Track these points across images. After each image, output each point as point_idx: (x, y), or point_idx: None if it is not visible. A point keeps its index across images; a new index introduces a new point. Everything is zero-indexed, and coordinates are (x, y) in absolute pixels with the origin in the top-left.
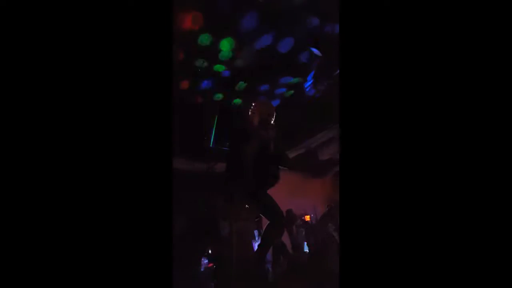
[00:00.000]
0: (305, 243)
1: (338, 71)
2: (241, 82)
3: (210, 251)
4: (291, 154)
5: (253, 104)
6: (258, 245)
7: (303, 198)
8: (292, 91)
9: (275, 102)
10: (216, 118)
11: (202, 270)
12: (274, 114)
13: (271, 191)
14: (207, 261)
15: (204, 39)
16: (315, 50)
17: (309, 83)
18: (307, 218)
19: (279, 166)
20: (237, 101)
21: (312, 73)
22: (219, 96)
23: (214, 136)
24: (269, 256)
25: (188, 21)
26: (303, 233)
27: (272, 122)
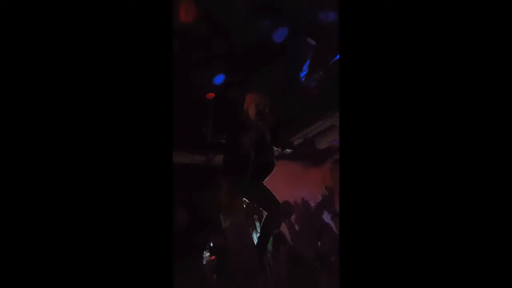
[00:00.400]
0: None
1: (335, 59)
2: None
3: (211, 244)
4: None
5: (247, 95)
6: (258, 237)
7: (300, 187)
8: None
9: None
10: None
11: (204, 263)
12: (269, 104)
13: (269, 181)
14: (208, 254)
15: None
16: (310, 39)
17: (305, 72)
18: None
19: (285, 150)
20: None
21: (308, 63)
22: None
23: (211, 129)
24: (270, 247)
25: (187, 13)
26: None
27: (267, 112)
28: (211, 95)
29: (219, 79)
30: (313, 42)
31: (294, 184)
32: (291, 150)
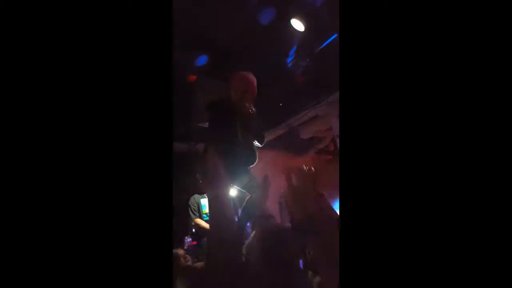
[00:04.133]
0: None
1: (322, 46)
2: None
3: (193, 230)
4: (274, 133)
5: (233, 76)
6: (238, 219)
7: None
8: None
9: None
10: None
11: (185, 248)
12: (256, 87)
13: (253, 169)
14: (190, 239)
15: None
16: (297, 24)
17: (291, 58)
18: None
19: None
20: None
21: (294, 48)
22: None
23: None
24: (249, 229)
25: None
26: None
27: (253, 95)
28: (192, 78)
29: (202, 60)
30: (301, 27)
31: (277, 174)
32: (260, 145)
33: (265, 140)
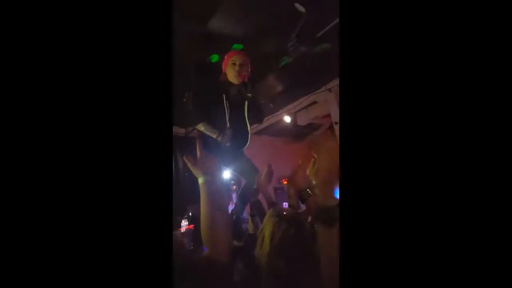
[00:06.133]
0: (284, 203)
1: (324, 30)
2: (236, 44)
3: (190, 213)
4: (273, 119)
5: (225, 55)
6: (235, 204)
7: (281, 162)
8: (285, 59)
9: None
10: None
11: (182, 231)
12: (248, 63)
13: (248, 153)
14: (187, 223)
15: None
16: (299, 6)
17: (292, 43)
18: (284, 181)
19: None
20: (214, 57)
21: (296, 33)
22: (215, 58)
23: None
24: (245, 214)
25: None
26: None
27: (247, 73)
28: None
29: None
30: (302, 9)
31: (273, 158)
32: (260, 123)
33: (264, 119)
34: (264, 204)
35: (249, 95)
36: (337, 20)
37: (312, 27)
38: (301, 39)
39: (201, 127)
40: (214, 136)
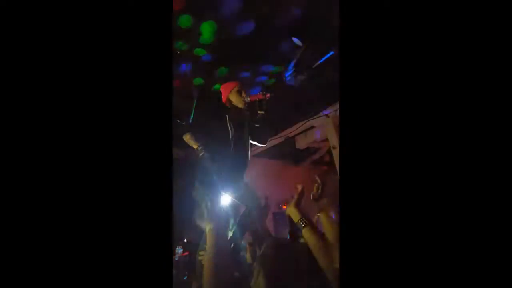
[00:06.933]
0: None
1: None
2: (221, 68)
3: (185, 240)
4: (271, 142)
5: (222, 86)
6: (233, 231)
7: (280, 186)
8: (273, 80)
9: (256, 90)
10: (195, 103)
11: (176, 259)
12: (243, 92)
13: (248, 177)
14: (181, 250)
15: (184, 21)
16: (296, 40)
17: (290, 72)
18: (284, 206)
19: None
20: (218, 87)
21: (293, 63)
22: (199, 81)
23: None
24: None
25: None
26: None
27: (246, 100)
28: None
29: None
30: (299, 43)
31: (272, 183)
32: (263, 145)
33: (268, 139)
34: (265, 233)
35: (263, 112)
36: (332, 52)
37: (310, 58)
38: (299, 69)
39: (186, 136)
40: (195, 147)
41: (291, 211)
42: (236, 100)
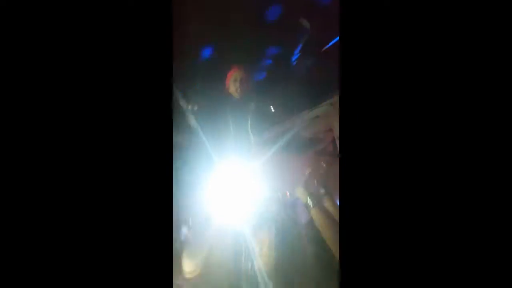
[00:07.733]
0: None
1: (329, 45)
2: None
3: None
4: (273, 131)
5: (228, 73)
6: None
7: (283, 175)
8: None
9: (261, 75)
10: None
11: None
12: (248, 78)
13: (250, 168)
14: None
15: None
16: (303, 21)
17: (296, 57)
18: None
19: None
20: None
21: (300, 47)
22: None
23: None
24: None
25: None
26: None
27: (247, 86)
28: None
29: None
30: (307, 25)
31: (277, 172)
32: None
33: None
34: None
35: (252, 104)
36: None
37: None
38: (305, 53)
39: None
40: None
41: (301, 192)
42: (232, 90)
